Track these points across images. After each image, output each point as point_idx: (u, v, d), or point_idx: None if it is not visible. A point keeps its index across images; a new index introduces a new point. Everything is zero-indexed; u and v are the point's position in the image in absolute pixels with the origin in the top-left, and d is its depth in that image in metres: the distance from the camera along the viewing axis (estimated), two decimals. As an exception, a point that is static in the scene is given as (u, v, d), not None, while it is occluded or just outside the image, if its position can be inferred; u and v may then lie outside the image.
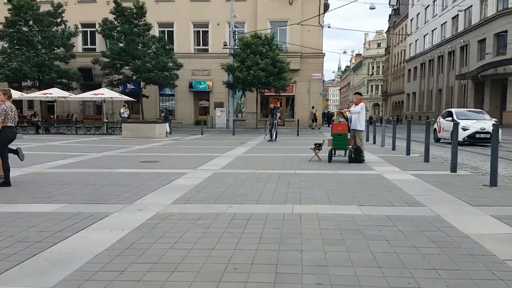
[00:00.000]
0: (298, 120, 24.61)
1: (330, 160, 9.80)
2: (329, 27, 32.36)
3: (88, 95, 23.87)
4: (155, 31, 33.11)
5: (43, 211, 5.30)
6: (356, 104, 10.01)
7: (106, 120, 24.46)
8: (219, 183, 7.38)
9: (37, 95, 24.94)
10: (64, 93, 25.14)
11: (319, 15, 31.76)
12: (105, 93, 23.49)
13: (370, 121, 21.88)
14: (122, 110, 22.98)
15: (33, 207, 5.52)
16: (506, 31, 33.11)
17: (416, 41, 59.97)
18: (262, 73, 26.63)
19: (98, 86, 28.63)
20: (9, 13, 27.90)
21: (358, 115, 9.82)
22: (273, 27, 32.39)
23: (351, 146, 9.77)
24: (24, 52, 27.37)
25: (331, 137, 9.90)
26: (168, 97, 35.68)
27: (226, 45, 29.73)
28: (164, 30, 34.64)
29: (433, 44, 51.92)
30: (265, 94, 31.46)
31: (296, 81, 32.98)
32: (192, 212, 5.27)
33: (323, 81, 40.03)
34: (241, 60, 28.15)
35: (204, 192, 6.57)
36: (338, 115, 9.66)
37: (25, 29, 28.30)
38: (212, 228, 4.55)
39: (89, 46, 36.12)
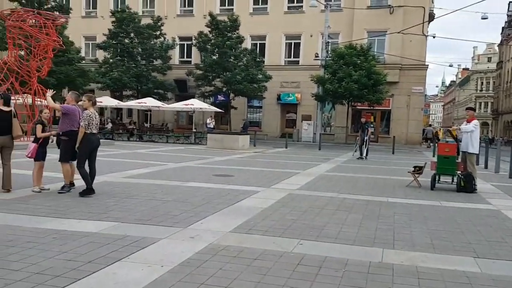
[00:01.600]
0: (394, 137, 22.42)
1: (433, 187, 8.12)
2: (434, 37, 29.68)
3: (180, 105, 24.44)
4: (247, 44, 33.26)
5: (88, 231, 4.68)
6: (468, 121, 8.21)
7: (195, 130, 24.78)
8: (292, 208, 6.28)
9: (133, 103, 26.23)
10: (158, 103, 26.10)
11: (423, 23, 29.12)
12: (194, 103, 23.81)
13: (491, 141, 18.58)
14: (208, 121, 23.08)
15: (79, 225, 4.94)
16: None
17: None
18: (355, 85, 24.96)
19: (192, 97, 29.40)
20: (112, 25, 30.03)
21: (471, 134, 8.02)
22: (370, 37, 30.48)
23: (460, 172, 7.99)
24: (125, 63, 29.12)
25: (435, 159, 8.22)
26: (256, 108, 35.48)
27: (317, 57, 28.62)
28: (257, 43, 34.63)
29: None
30: (357, 107, 29.58)
31: (394, 94, 30.50)
32: (250, 247, 4.24)
33: (425, 95, 36.66)
34: (332, 72, 26.78)
35: (271, 219, 5.51)
36: (445, 133, 7.90)
37: (126, 41, 30.20)
38: (269, 277, 3.45)
39: (185, 59, 37.51)
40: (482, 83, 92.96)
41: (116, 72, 28.13)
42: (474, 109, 8.31)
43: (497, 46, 78.85)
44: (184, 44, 36.60)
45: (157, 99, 28.61)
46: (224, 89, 30.05)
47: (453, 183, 8.18)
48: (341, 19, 30.95)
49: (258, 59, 30.74)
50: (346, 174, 10.90)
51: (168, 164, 11.98)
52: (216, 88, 30.38)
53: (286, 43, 33.79)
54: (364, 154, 16.11)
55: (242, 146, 19.70)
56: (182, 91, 35.08)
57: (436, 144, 11.38)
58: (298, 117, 33.78)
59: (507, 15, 66.74)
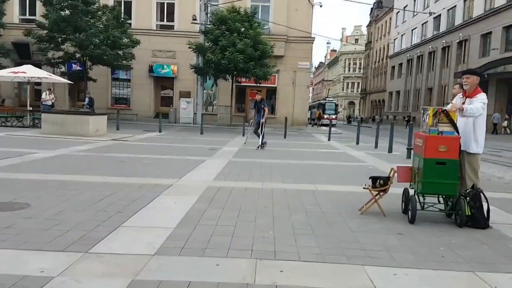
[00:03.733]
0: (286, 118, 19.25)
1: (413, 218, 4.44)
2: (321, 6, 27.05)
3: (5, 73, 17.52)
4: (108, 0, 26.96)
5: None
6: (469, 95, 4.70)
7: (30, 109, 18.18)
8: None
9: None
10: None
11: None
12: (28, 71, 17.20)
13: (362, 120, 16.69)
14: (44, 96, 16.87)
15: None
16: (518, 23, 28.91)
17: (402, 35, 55.84)
18: (241, 56, 21.09)
19: (38, 66, 22.27)
20: None
21: (475, 121, 4.55)
22: (254, 2, 26.84)
23: (466, 191, 4.43)
24: None
25: (414, 166, 4.57)
26: (123, 82, 29.45)
27: (195, 19, 23.92)
28: (121, 1, 28.40)
29: (423, 39, 47.77)
30: (242, 84, 25.94)
31: (280, 70, 27.56)
32: None
33: (312, 72, 34.73)
34: (214, 39, 22.47)
35: None
36: (435, 117, 4.01)
37: None
38: None
39: (27, 16, 29.40)
40: (349, 64, 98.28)
41: None
42: (478, 74, 4.75)
43: (366, 27, 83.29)
44: (25, -4, 28.45)
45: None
46: (78, 55, 23.57)
47: (446, 208, 4.63)
48: (221, -23, 26.63)
49: (122, 20, 24.72)
50: (250, 184, 6.77)
51: None
52: (67, 54, 23.70)
53: (157, 2, 28.26)
54: (260, 142, 12.30)
55: (95, 131, 14.34)
56: (24, 58, 27.56)
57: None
58: (175, 94, 28.88)
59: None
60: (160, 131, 17.87)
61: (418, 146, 4.50)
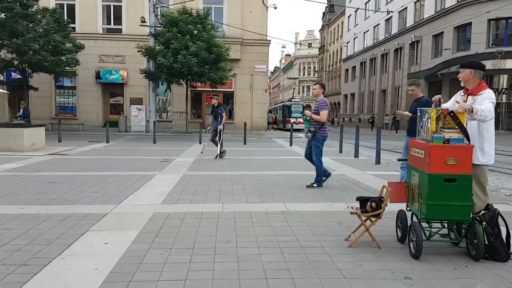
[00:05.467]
0: (245, 123, 18.18)
1: (419, 253, 3.38)
2: (275, 7, 26.35)
3: None
4: (49, 3, 24.90)
5: None
6: (471, 93, 3.78)
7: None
8: None
9: None
10: None
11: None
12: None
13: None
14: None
15: None
16: (469, 24, 29.58)
17: (354, 39, 56.62)
18: (194, 60, 19.86)
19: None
20: None
21: (481, 127, 3.68)
22: (206, 3, 25.69)
23: (480, 214, 3.51)
24: None
25: (412, 182, 3.62)
26: (68, 90, 27.28)
27: (144, 22, 22.44)
28: (63, 3, 26.33)
29: (375, 41, 48.51)
30: (198, 89, 24.69)
31: (236, 73, 26.54)
32: None
33: (268, 76, 34.00)
34: (165, 42, 21.09)
35: None
36: (439, 121, 3.06)
37: None
38: None
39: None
40: (304, 68, 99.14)
41: None
42: (474, 65, 3.83)
43: (319, 31, 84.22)
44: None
45: None
46: (16, 62, 21.41)
47: (450, 233, 3.73)
48: (171, -22, 25.33)
49: (64, 24, 22.76)
50: (208, 207, 5.63)
51: None
52: (3, 61, 21.46)
53: (103, 5, 26.41)
54: (219, 151, 11.15)
55: (31, 145, 12.64)
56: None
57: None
58: (126, 101, 27.08)
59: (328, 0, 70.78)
60: (107, 142, 16.30)
61: (418, 158, 3.56)
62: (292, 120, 37.13)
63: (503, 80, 29.64)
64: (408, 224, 3.64)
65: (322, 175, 7.00)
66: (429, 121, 3.41)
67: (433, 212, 3.36)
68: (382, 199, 3.66)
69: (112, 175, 8.01)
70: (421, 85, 6.78)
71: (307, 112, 7.07)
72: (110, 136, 17.50)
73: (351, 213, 3.75)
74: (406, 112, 6.52)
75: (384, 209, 3.63)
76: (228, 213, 5.00)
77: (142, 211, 5.05)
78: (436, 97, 3.85)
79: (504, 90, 29.54)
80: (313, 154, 7.01)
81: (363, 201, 3.73)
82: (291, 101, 46.30)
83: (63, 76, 24.30)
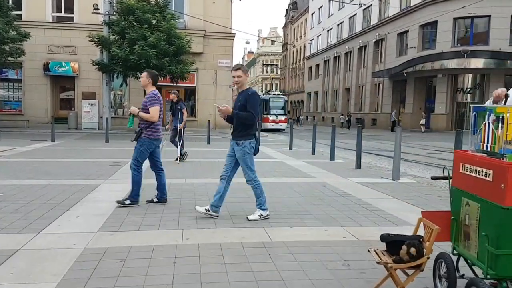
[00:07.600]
0: (209, 121, 16.77)
1: None
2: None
3: None
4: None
5: None
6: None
7: None
8: None
9: None
10: None
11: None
12: None
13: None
14: None
15: None
16: (435, 22, 29.45)
17: (318, 36, 56.20)
18: (153, 51, 18.19)
19: None
20: None
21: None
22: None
23: None
24: None
25: (461, 215, 2.44)
26: (13, 83, 24.71)
27: (97, 9, 20.44)
28: (6, -13, 23.72)
29: (339, 39, 48.19)
30: (157, 83, 22.87)
31: (199, 68, 24.99)
32: None
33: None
34: (120, 32, 19.25)
35: None
36: (490, 121, 1.88)
37: None
38: None
39: None
40: (267, 65, 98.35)
41: None
42: None
43: (282, 28, 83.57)
44: None
45: None
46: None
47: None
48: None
49: (8, 9, 20.37)
50: (162, 238, 4.26)
51: None
52: None
53: (51, -10, 24.07)
54: (178, 153, 9.72)
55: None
56: None
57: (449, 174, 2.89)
58: (77, 95, 24.86)
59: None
60: (53, 141, 14.42)
61: (478, 180, 2.39)
62: (271, 118, 30.57)
63: (468, 79, 29.80)
64: (458, 276, 2.47)
65: (139, 188, 5.35)
66: (500, 124, 2.23)
67: (509, 266, 2.20)
68: (422, 240, 2.46)
69: (44, 185, 6.45)
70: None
71: (133, 109, 5.44)
72: (57, 134, 15.67)
73: (378, 263, 2.52)
74: (226, 106, 4.90)
75: (428, 258, 2.43)
76: (190, 247, 3.67)
77: (69, 246, 3.62)
78: (500, 90, 2.67)
79: (469, 89, 29.71)
80: (132, 157, 5.37)
81: (391, 242, 2.51)
82: (269, 93, 38.39)
83: (6, 68, 21.94)
